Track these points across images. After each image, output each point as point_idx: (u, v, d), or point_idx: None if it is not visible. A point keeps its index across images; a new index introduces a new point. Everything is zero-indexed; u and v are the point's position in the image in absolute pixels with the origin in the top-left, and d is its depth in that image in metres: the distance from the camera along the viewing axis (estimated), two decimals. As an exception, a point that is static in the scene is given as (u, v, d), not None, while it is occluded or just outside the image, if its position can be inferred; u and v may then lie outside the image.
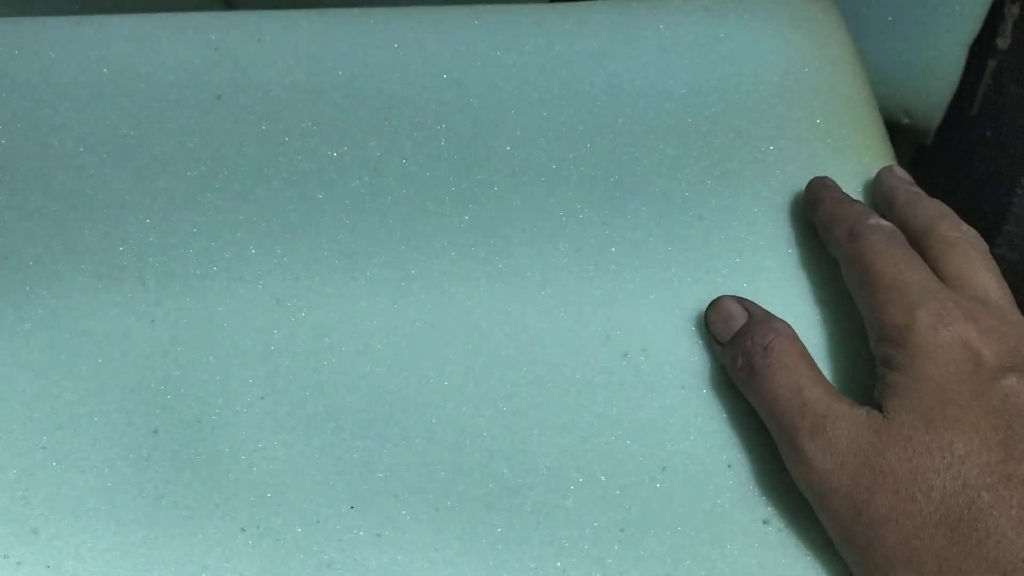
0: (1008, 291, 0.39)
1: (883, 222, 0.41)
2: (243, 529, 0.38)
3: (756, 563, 0.38)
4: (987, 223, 0.71)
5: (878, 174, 0.45)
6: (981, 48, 0.67)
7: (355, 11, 0.50)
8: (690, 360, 0.41)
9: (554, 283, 0.43)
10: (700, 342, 0.42)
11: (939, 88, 0.68)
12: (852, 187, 0.45)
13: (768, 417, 0.38)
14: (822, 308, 0.43)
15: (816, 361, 0.39)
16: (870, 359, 0.39)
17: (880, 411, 0.36)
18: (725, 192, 0.45)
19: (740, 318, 0.40)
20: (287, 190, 0.45)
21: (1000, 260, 0.72)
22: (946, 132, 0.71)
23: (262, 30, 0.49)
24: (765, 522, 0.38)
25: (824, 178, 0.44)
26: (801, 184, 0.45)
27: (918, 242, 0.40)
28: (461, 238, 0.44)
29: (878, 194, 0.44)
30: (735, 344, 0.39)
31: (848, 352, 0.42)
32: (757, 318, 0.40)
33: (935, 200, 0.42)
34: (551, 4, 0.51)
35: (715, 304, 0.41)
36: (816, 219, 0.43)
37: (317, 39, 0.49)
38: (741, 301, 0.41)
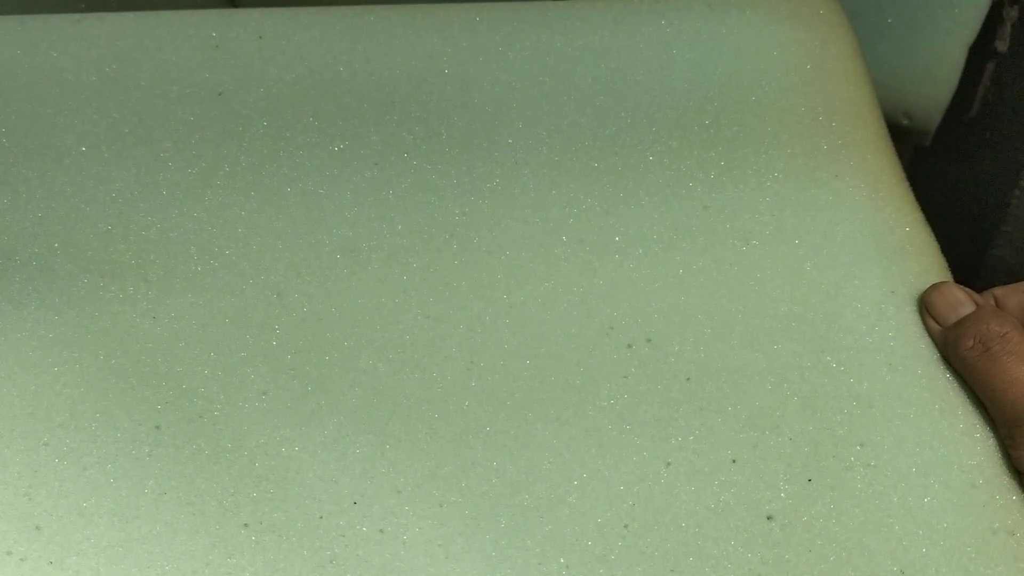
0: None
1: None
2: (246, 525, 0.38)
3: (760, 559, 0.38)
4: (986, 224, 0.71)
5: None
6: (980, 50, 0.67)
7: (356, 8, 0.50)
8: (695, 351, 0.41)
9: (557, 274, 0.43)
10: (706, 332, 0.42)
11: (938, 90, 0.68)
12: (853, 185, 0.46)
13: (997, 398, 0.40)
14: (826, 298, 0.43)
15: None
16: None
17: None
18: (728, 184, 0.45)
19: (968, 305, 0.42)
20: (288, 185, 0.45)
21: (999, 261, 0.72)
22: (945, 133, 0.71)
23: (263, 27, 0.49)
24: (769, 518, 0.38)
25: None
26: (803, 177, 0.45)
27: None
28: (463, 231, 0.44)
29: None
30: (965, 326, 0.41)
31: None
32: (991, 308, 0.42)
33: None
34: (554, 1, 0.51)
35: (939, 288, 0.43)
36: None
37: (318, 36, 0.49)
38: (965, 290, 0.43)
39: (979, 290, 0.44)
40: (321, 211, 0.44)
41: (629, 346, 0.41)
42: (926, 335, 0.42)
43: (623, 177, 0.46)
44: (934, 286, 0.43)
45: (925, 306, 0.43)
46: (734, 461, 0.39)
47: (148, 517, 0.37)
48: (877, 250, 0.44)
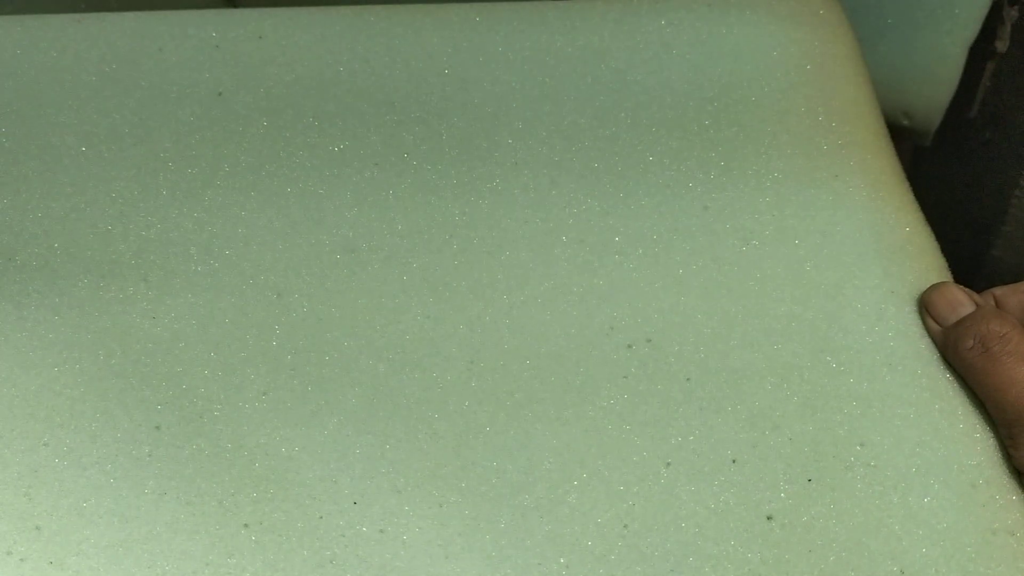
0: None
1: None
2: (246, 525, 0.37)
3: (760, 559, 0.37)
4: (985, 225, 0.71)
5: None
6: (980, 50, 0.67)
7: (356, 8, 0.50)
8: (695, 351, 0.41)
9: (557, 274, 0.43)
10: (706, 332, 0.42)
11: (938, 90, 0.68)
12: (853, 185, 0.46)
13: (997, 398, 0.40)
14: (826, 298, 0.43)
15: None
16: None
17: None
18: (728, 184, 0.45)
19: (968, 305, 0.42)
20: (288, 185, 0.45)
21: (998, 262, 0.72)
22: (945, 134, 0.71)
23: (263, 27, 0.49)
24: (769, 518, 0.38)
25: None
26: (803, 177, 0.45)
27: None
28: (463, 231, 0.44)
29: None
30: (965, 326, 0.41)
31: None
32: (991, 308, 0.42)
33: None
34: (554, 1, 0.51)
35: (939, 288, 0.43)
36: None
37: (318, 36, 0.49)
38: (965, 291, 0.43)
39: (979, 290, 0.44)
40: (321, 211, 0.44)
41: (629, 346, 0.41)
42: (926, 335, 0.42)
43: (623, 177, 0.46)
44: (934, 286, 0.43)
45: (925, 306, 0.43)
46: (734, 461, 0.39)
47: (148, 517, 0.37)
48: (877, 250, 0.44)
